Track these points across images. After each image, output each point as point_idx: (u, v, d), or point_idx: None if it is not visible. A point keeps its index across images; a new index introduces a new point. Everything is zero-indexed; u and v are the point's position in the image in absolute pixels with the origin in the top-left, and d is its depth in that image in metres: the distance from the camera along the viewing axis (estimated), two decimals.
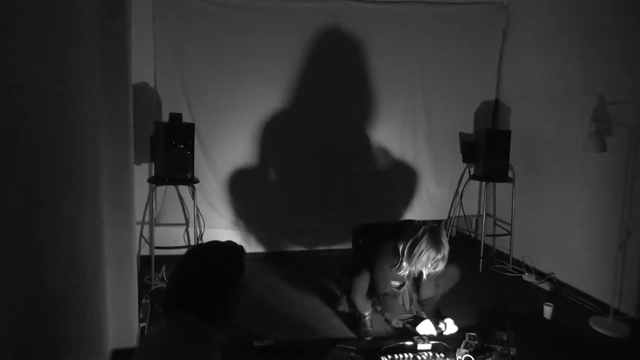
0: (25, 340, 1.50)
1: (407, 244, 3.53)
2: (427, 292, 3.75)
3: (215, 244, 1.95)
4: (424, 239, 3.45)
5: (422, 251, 3.44)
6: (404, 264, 3.59)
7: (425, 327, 3.75)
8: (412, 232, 3.55)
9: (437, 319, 3.75)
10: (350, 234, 5.98)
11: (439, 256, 3.45)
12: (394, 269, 3.71)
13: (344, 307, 4.07)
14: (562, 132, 4.97)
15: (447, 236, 3.57)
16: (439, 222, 6.41)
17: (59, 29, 1.97)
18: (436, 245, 3.44)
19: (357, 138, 5.65)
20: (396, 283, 3.88)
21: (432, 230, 3.49)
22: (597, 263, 4.54)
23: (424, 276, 3.67)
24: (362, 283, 3.79)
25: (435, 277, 3.74)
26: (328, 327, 3.95)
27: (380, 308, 3.91)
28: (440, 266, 3.54)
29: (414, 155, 5.85)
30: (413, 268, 3.59)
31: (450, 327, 3.69)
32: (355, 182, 5.70)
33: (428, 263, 3.48)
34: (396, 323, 3.90)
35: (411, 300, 4.00)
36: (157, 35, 4.97)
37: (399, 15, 5.56)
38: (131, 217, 3.34)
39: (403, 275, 3.71)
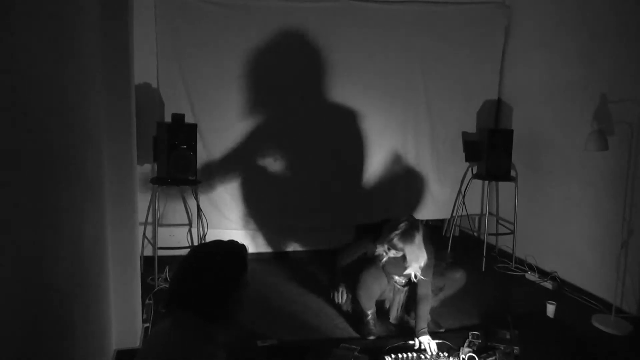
0: (28, 340, 1.51)
1: (387, 227, 3.56)
2: (421, 289, 3.71)
3: (217, 243, 1.95)
4: (400, 226, 3.48)
5: (392, 236, 3.47)
6: (377, 243, 3.61)
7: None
8: (396, 220, 3.59)
9: (417, 331, 3.63)
10: (353, 233, 6.01)
11: (400, 244, 3.46)
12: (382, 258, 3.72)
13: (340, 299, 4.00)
14: (564, 131, 4.97)
15: (420, 238, 3.52)
16: (441, 221, 6.46)
17: (61, 29, 1.98)
18: (404, 235, 3.46)
19: (359, 138, 5.64)
20: (400, 280, 3.87)
21: (410, 223, 3.52)
22: (599, 261, 4.54)
23: (413, 276, 3.65)
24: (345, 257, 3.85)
25: (429, 277, 3.71)
26: (331, 327, 3.95)
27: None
28: (413, 262, 3.53)
29: (416, 154, 5.86)
30: (379, 249, 3.59)
31: (427, 347, 3.51)
32: (358, 182, 5.70)
33: (392, 249, 3.50)
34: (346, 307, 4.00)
35: (405, 302, 4.00)
36: (159, 36, 4.97)
37: (400, 15, 5.56)
38: (134, 218, 3.34)
39: (389, 261, 3.71)
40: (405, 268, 3.65)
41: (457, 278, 4.05)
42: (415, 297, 3.74)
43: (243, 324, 3.74)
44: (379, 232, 3.66)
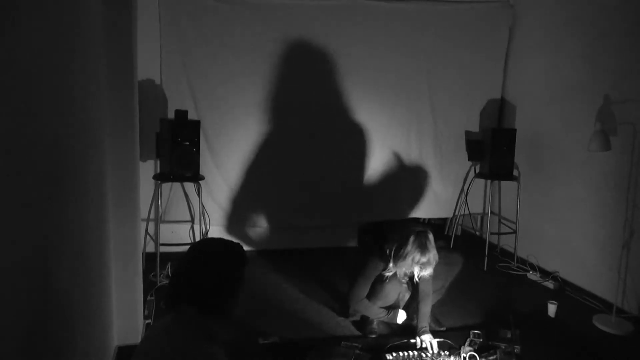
0: (30, 336, 1.51)
1: (394, 246, 3.51)
2: (423, 287, 3.69)
3: (216, 239, 1.99)
4: (410, 241, 3.42)
5: (407, 253, 3.41)
6: (390, 265, 3.57)
7: (401, 316, 3.80)
8: (400, 236, 3.52)
9: (418, 330, 3.63)
10: (356, 232, 6.02)
11: (424, 259, 3.41)
12: (383, 272, 3.69)
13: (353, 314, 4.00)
14: (567, 131, 4.96)
15: (434, 242, 3.48)
16: (444, 220, 6.46)
17: (64, 25, 1.98)
18: (421, 248, 3.40)
19: (363, 136, 5.64)
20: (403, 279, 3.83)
21: (418, 234, 3.45)
22: (601, 262, 4.54)
23: (417, 278, 3.62)
24: (360, 294, 3.78)
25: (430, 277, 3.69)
26: (333, 325, 3.95)
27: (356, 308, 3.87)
28: (428, 270, 3.50)
29: (419, 153, 5.85)
30: (398, 270, 3.57)
31: (429, 346, 3.51)
32: (361, 180, 5.70)
33: (413, 266, 3.46)
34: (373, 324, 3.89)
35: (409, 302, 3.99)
36: (163, 32, 4.97)
37: (405, 14, 5.55)
38: (136, 214, 3.35)
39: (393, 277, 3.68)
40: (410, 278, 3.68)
41: (455, 260, 4.05)
42: (417, 296, 3.74)
43: (244, 321, 3.75)
44: (381, 249, 3.62)
